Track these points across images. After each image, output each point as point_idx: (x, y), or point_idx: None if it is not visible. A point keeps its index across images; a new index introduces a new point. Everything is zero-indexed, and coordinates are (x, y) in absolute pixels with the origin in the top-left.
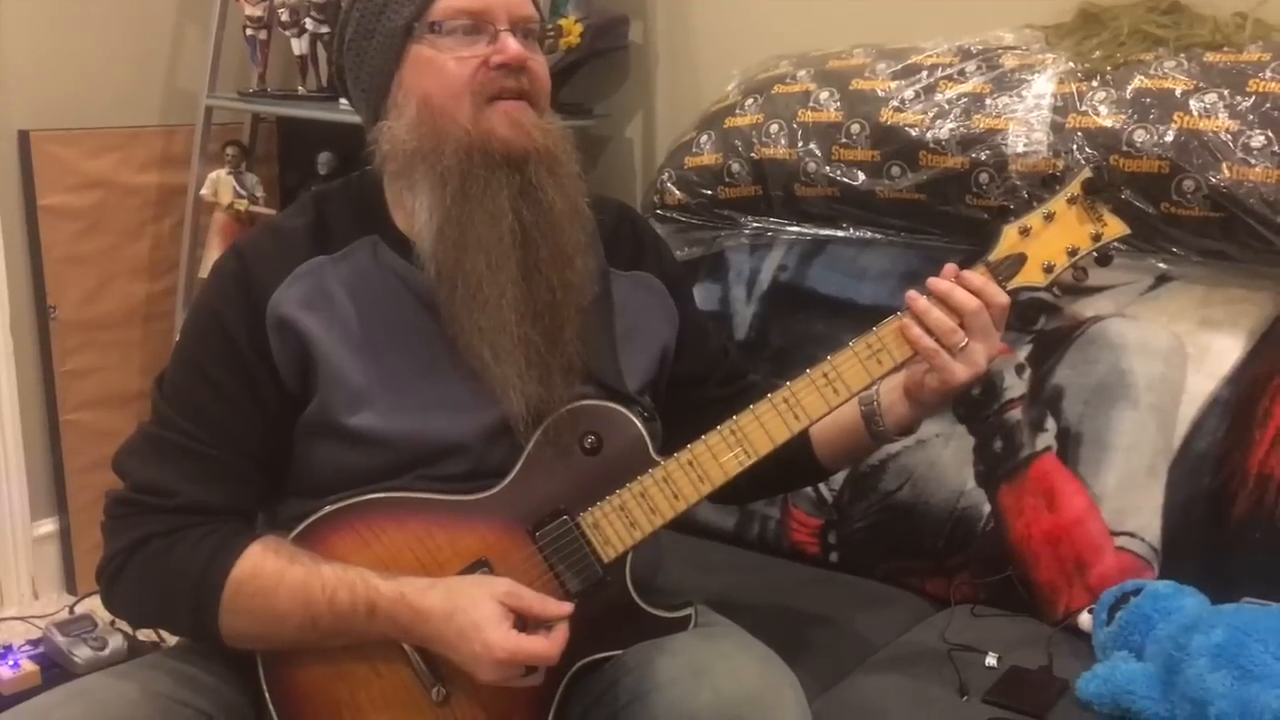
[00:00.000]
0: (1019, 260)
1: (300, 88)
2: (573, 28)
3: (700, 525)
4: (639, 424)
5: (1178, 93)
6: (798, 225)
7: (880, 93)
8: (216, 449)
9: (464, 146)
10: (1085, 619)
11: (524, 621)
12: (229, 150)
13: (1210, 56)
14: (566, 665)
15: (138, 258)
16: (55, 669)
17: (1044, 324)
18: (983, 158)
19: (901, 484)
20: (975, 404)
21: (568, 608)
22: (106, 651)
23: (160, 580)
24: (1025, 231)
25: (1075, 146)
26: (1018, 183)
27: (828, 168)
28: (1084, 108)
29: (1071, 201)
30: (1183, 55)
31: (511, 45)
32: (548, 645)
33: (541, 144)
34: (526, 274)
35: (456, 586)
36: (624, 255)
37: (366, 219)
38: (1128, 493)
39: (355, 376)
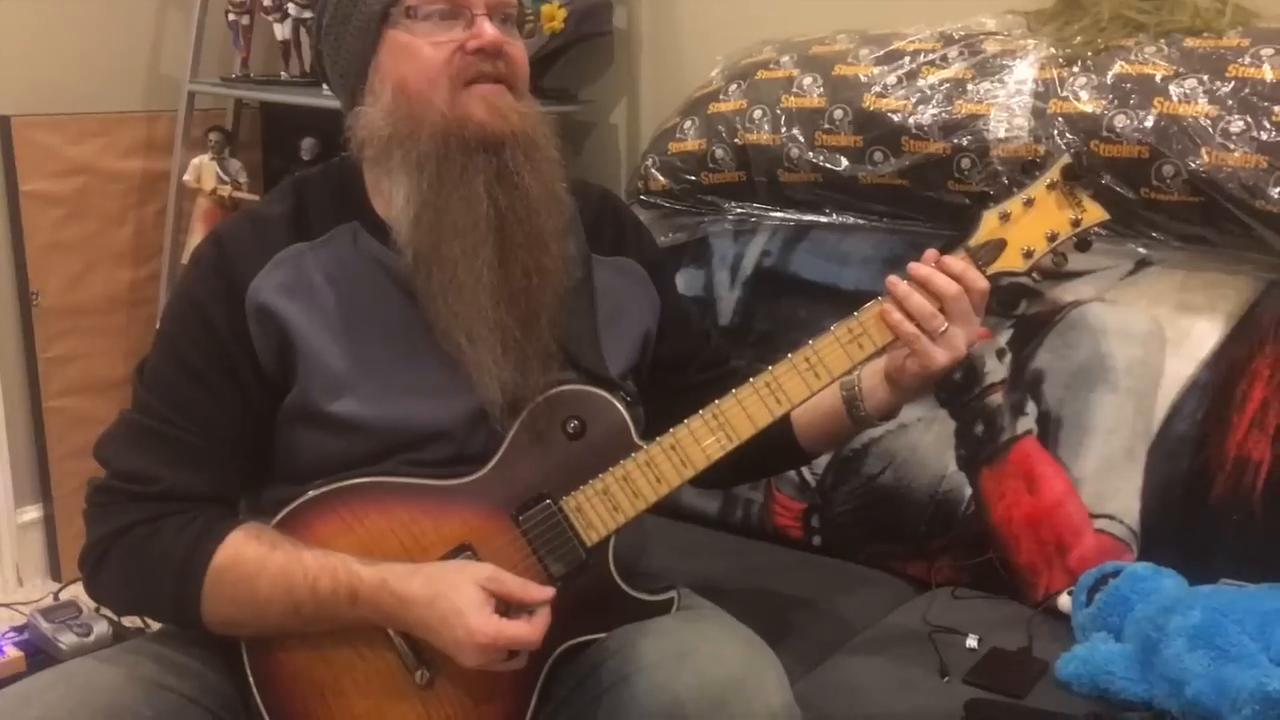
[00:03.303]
0: (999, 245)
1: (283, 73)
2: (556, 13)
3: (684, 509)
4: (622, 409)
5: (1158, 78)
6: (781, 211)
7: (863, 78)
8: (198, 436)
9: (440, 131)
10: (1065, 601)
11: (506, 606)
12: (212, 136)
13: (1190, 42)
14: (550, 649)
15: (121, 244)
16: (40, 655)
17: (1024, 309)
18: (964, 143)
19: (883, 468)
20: (956, 388)
21: (549, 592)
22: (91, 638)
23: (142, 568)
24: (1005, 217)
25: (1056, 132)
26: (999, 168)
27: (811, 153)
28: (1065, 93)
29: (1051, 187)
30: (1163, 41)
31: (487, 30)
32: (529, 629)
33: (519, 128)
34: (502, 259)
35: (438, 572)
36: (606, 241)
37: (346, 205)
38: (1107, 476)
39: (335, 363)
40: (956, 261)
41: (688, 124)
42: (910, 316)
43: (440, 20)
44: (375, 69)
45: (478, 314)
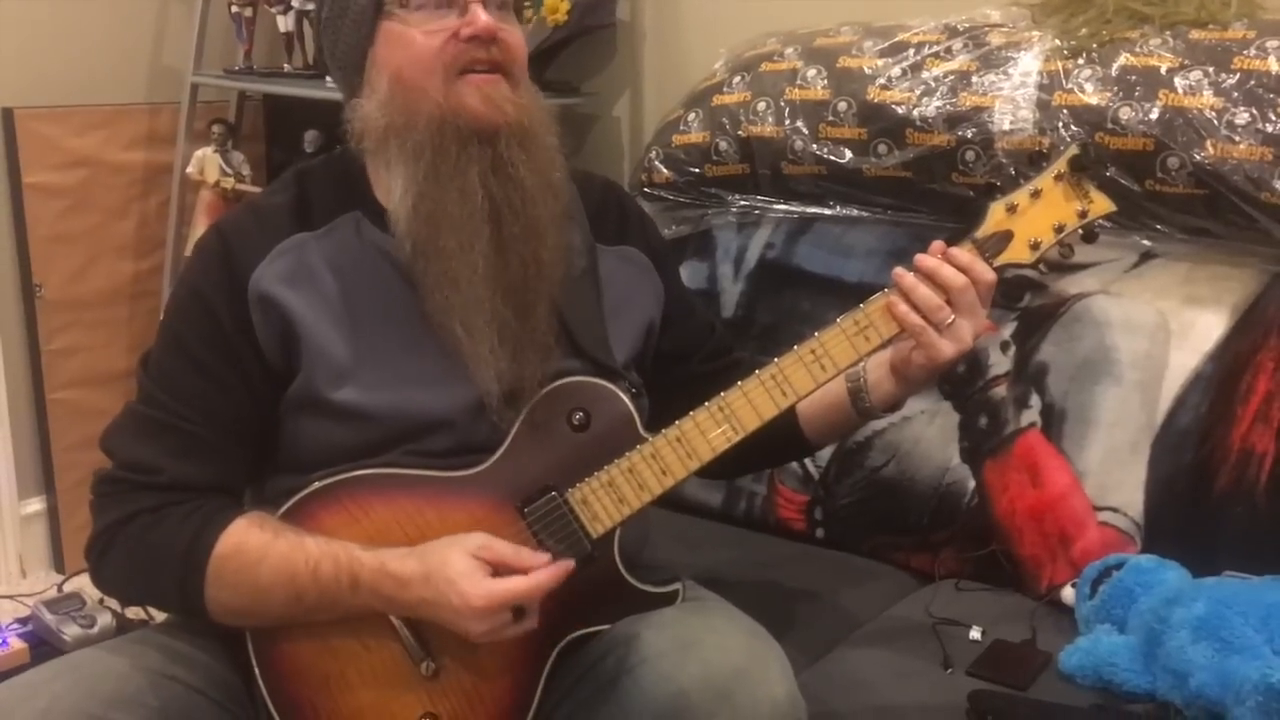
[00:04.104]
0: (1006, 237)
1: (286, 65)
2: (560, 5)
3: (687, 501)
4: (627, 400)
5: (1163, 70)
6: (785, 203)
7: (867, 70)
8: (202, 426)
9: (435, 120)
10: (1068, 593)
11: (500, 572)
12: (215, 128)
13: (1196, 34)
14: (554, 640)
15: (123, 236)
16: (44, 647)
17: (1029, 301)
18: (969, 135)
19: (887, 460)
20: (960, 381)
21: (544, 557)
22: (95, 629)
23: (146, 556)
24: (1012, 209)
25: (1061, 124)
26: (1004, 160)
27: (815, 145)
28: (1069, 85)
29: (1058, 178)
30: (1168, 33)
31: (481, 16)
32: (526, 582)
33: (514, 119)
34: (499, 250)
35: (430, 548)
36: (610, 230)
37: (349, 195)
38: (1111, 468)
39: (338, 352)
40: (963, 253)
41: (691, 116)
42: (916, 309)
43: (434, 9)
44: (372, 61)
45: (474, 305)
